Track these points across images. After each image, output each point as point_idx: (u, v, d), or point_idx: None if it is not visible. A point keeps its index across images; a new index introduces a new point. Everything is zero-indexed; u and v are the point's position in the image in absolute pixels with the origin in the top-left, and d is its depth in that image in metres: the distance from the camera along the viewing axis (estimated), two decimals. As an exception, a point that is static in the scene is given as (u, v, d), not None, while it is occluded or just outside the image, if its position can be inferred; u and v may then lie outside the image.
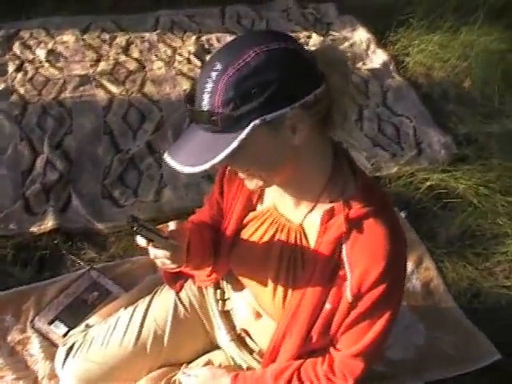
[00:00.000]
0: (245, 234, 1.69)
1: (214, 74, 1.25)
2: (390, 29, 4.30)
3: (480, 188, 3.13)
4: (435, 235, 2.91)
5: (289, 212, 1.59)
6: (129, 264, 2.65)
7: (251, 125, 1.25)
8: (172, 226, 1.50)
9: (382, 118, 3.68)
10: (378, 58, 4.14)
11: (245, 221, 1.70)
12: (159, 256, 1.49)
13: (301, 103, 1.28)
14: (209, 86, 1.25)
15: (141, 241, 1.44)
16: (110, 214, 2.94)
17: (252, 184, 1.45)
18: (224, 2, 4.56)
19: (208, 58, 3.92)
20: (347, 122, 1.45)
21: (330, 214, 1.47)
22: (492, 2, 4.48)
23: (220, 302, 1.94)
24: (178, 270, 1.65)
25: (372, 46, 4.24)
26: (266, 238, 1.63)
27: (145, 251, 1.49)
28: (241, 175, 1.45)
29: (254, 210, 1.69)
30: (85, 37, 4.12)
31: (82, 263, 2.66)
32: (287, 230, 1.59)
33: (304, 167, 1.44)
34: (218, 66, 1.25)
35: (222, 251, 1.76)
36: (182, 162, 1.28)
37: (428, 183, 3.15)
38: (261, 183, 1.44)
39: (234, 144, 1.24)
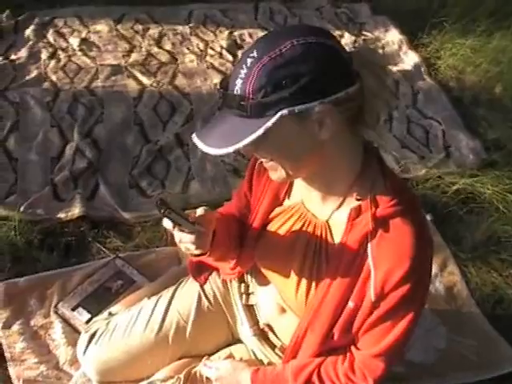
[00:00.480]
0: (271, 228, 1.70)
1: (249, 61, 1.27)
2: (423, 31, 4.27)
3: (507, 194, 3.11)
4: (460, 240, 2.89)
5: (316, 208, 1.59)
6: (154, 254, 2.65)
7: (279, 114, 1.26)
8: (200, 211, 1.51)
9: (412, 119, 3.66)
10: (409, 59, 4.12)
11: (272, 215, 1.70)
12: (184, 240, 1.50)
13: (331, 99, 1.29)
14: (243, 72, 1.28)
15: (167, 224, 1.45)
16: (137, 203, 2.95)
17: (275, 175, 1.45)
18: (258, -2, 4.57)
19: (241, 52, 3.96)
20: (379, 125, 1.45)
21: (356, 212, 1.47)
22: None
23: (244, 295, 1.95)
24: (200, 257, 1.66)
25: (404, 48, 4.22)
26: (292, 232, 1.64)
27: (170, 242, 1.51)
28: (265, 165, 1.46)
29: (281, 205, 1.69)
30: (118, 27, 4.16)
31: (107, 252, 2.68)
32: (313, 225, 1.59)
33: (331, 163, 1.45)
34: (255, 54, 1.27)
35: (248, 244, 1.76)
36: (208, 144, 1.31)
37: (455, 187, 3.13)
38: (284, 175, 1.43)
39: (260, 131, 1.26)
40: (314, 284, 1.59)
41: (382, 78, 1.40)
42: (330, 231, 1.56)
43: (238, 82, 1.28)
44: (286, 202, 1.68)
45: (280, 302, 1.78)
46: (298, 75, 1.26)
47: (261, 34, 4.12)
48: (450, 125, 3.63)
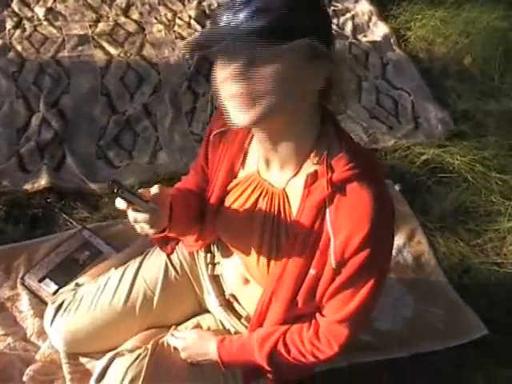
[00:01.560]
0: (228, 200, 1.69)
1: None
2: (393, 2, 4.28)
3: (475, 165, 3.13)
4: (428, 210, 2.91)
5: (272, 177, 1.57)
6: (121, 225, 2.63)
7: (300, 40, 1.26)
8: (154, 190, 1.47)
9: (381, 90, 3.66)
10: (379, 30, 4.11)
11: (229, 187, 1.69)
12: (139, 219, 1.44)
13: (331, 52, 1.34)
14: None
15: (121, 203, 1.40)
16: (104, 174, 2.92)
17: (244, 116, 1.34)
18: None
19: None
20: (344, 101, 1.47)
21: (313, 178, 1.46)
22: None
23: (210, 266, 1.94)
24: (157, 236, 1.63)
25: (374, 19, 4.21)
26: (249, 203, 1.63)
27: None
28: (237, 101, 1.33)
29: (237, 176, 1.68)
30: (84, -4, 4.09)
31: (74, 223, 2.66)
32: (270, 195, 1.58)
33: (296, 124, 1.43)
34: None
35: (207, 218, 1.75)
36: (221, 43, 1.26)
37: (424, 157, 3.14)
38: (254, 116, 1.33)
39: (283, 46, 1.24)
40: (274, 253, 1.58)
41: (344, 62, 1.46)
42: (288, 199, 1.55)
43: (251, 6, 1.25)
44: (241, 173, 1.66)
45: (244, 272, 1.77)
46: (319, 15, 1.34)
47: (230, 4, 4.08)
48: (419, 96, 3.64)
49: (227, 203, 1.69)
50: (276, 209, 1.56)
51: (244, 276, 1.79)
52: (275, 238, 1.58)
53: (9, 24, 3.77)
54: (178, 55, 3.69)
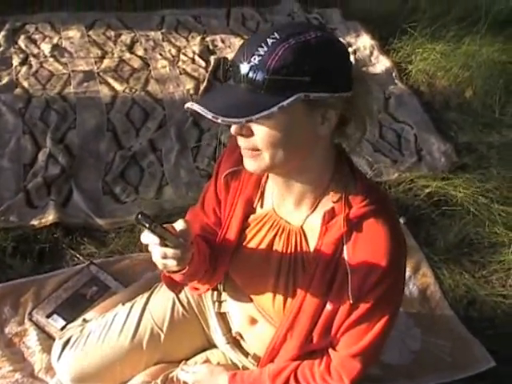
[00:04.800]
0: (244, 240, 1.68)
1: (270, 41, 1.27)
2: (394, 36, 4.32)
3: (479, 197, 3.14)
4: (433, 242, 2.92)
5: (289, 214, 1.58)
6: (128, 260, 2.65)
7: (295, 96, 1.26)
8: (181, 225, 1.42)
9: (384, 124, 3.69)
10: (380, 64, 4.16)
11: (244, 226, 1.68)
12: (169, 255, 1.38)
13: (340, 95, 1.32)
14: (262, 50, 1.26)
15: (151, 239, 1.36)
16: (111, 210, 2.95)
17: (254, 164, 1.40)
18: (229, 4, 4.58)
19: (214, 57, 4.00)
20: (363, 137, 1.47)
21: (330, 215, 1.48)
22: (495, 14, 4.51)
23: (216, 303, 1.93)
24: (175, 273, 1.56)
25: (375, 53, 4.26)
26: (266, 241, 1.63)
27: (145, 248, 1.44)
28: (247, 152, 1.40)
29: (254, 212, 1.67)
30: (90, 33, 4.15)
31: (81, 258, 2.67)
32: (287, 232, 1.59)
33: (311, 164, 1.45)
34: (277, 35, 1.28)
35: (221, 259, 1.72)
36: (214, 111, 1.25)
37: (427, 190, 3.16)
38: (264, 165, 1.39)
39: (275, 108, 1.24)
40: (290, 291, 1.59)
41: (372, 95, 1.44)
42: (305, 236, 1.56)
43: (256, 58, 1.26)
44: (259, 211, 1.66)
45: (251, 312, 1.77)
46: (321, 64, 1.28)
47: (233, 39, 4.19)
48: (421, 129, 3.67)
49: (243, 243, 1.68)
50: (293, 247, 1.58)
51: (251, 316, 1.78)
52: (292, 277, 1.59)
53: (15, 61, 3.83)
54: (183, 91, 3.72)
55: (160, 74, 3.87)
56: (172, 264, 1.42)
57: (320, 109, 1.32)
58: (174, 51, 4.08)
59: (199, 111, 1.26)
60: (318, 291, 1.52)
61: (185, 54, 4.06)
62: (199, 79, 3.83)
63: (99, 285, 2.51)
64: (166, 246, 1.37)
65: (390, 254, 1.42)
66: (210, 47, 4.17)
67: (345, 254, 1.46)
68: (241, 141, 1.38)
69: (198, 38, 4.22)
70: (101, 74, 3.80)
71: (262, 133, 1.33)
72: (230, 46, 4.17)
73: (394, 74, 4.08)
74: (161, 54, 4.04)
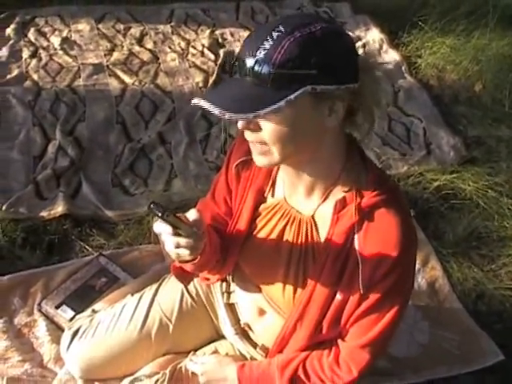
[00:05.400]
0: (255, 229, 1.68)
1: (275, 35, 1.26)
2: (404, 30, 4.31)
3: (488, 190, 3.14)
4: (442, 235, 2.92)
5: (300, 204, 1.58)
6: (137, 252, 2.66)
7: (302, 89, 1.25)
8: (193, 214, 1.42)
9: (393, 117, 3.68)
10: (390, 58, 4.14)
11: (255, 216, 1.69)
12: (182, 244, 1.38)
13: (347, 87, 1.31)
14: (267, 43, 1.25)
15: (163, 228, 1.36)
16: (120, 202, 2.96)
17: (264, 159, 1.41)
18: (239, -3, 4.59)
19: (223, 50, 4.02)
20: (372, 128, 1.47)
21: (342, 204, 1.48)
22: (504, 8, 4.49)
23: (225, 294, 1.94)
24: (187, 263, 1.58)
25: (385, 46, 4.25)
26: (277, 230, 1.63)
27: (154, 240, 1.43)
28: (256, 146, 1.40)
29: (265, 202, 1.68)
30: (99, 26, 4.16)
31: (90, 249, 2.68)
32: (298, 222, 1.59)
33: (322, 154, 1.45)
34: (282, 28, 1.27)
35: (231, 249, 1.73)
36: (220, 107, 1.25)
37: (436, 184, 3.15)
38: (274, 159, 1.39)
39: (282, 102, 1.24)
40: (300, 281, 1.59)
41: (380, 86, 1.43)
42: (316, 226, 1.56)
43: (261, 52, 1.25)
44: (270, 200, 1.66)
45: (260, 303, 1.77)
46: (327, 56, 1.27)
47: (242, 33, 4.18)
48: (430, 122, 3.66)
49: (254, 233, 1.68)
50: (304, 236, 1.58)
51: (260, 307, 1.78)
52: (302, 267, 1.59)
53: (25, 53, 3.84)
54: (192, 83, 3.73)
55: (169, 66, 3.87)
56: (185, 253, 1.42)
57: (327, 101, 1.32)
58: (183, 44, 4.08)
59: (206, 107, 1.26)
60: (328, 281, 1.52)
61: (194, 47, 4.06)
62: (208, 72, 3.83)
63: (108, 276, 2.52)
64: (179, 235, 1.37)
65: (401, 244, 1.42)
66: (219, 40, 4.17)
67: (356, 244, 1.46)
68: (248, 135, 1.39)
69: (207, 31, 4.23)
70: (110, 66, 3.80)
71: (269, 127, 1.33)
72: (239, 40, 4.17)
73: (403, 68, 4.06)
74: (170, 47, 4.04)
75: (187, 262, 1.54)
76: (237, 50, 4.02)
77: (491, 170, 3.30)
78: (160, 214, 1.30)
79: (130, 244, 2.72)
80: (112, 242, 2.73)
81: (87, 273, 2.53)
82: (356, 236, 1.46)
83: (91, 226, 2.81)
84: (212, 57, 3.98)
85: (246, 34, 4.20)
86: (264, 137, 1.35)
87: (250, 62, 1.27)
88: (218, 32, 4.25)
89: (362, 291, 1.47)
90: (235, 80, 1.32)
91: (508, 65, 4.04)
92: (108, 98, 3.56)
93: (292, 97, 1.24)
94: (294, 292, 1.61)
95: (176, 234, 1.37)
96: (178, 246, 1.40)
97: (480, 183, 3.18)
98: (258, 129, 1.35)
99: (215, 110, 1.24)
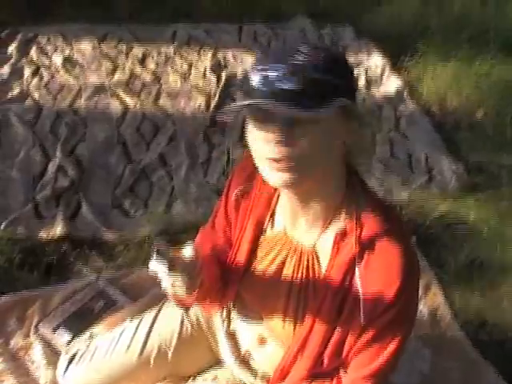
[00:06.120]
0: (255, 261, 1.66)
1: (303, 50, 1.30)
2: (406, 55, 4.32)
3: (490, 218, 3.13)
4: (444, 262, 2.89)
5: (301, 235, 1.56)
6: (136, 275, 2.62)
7: (337, 101, 1.29)
8: (189, 251, 1.41)
9: (395, 143, 3.67)
10: (392, 83, 4.14)
11: (255, 247, 1.66)
12: (177, 283, 1.40)
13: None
14: (298, 57, 1.28)
15: (159, 267, 1.35)
16: (120, 223, 2.94)
17: (283, 176, 1.35)
18: (241, 19, 4.58)
19: (225, 73, 4.01)
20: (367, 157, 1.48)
21: (342, 235, 1.46)
22: (506, 34, 4.51)
23: (226, 321, 1.89)
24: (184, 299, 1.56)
25: (387, 72, 4.25)
26: (277, 262, 1.61)
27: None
28: (274, 164, 1.35)
29: (265, 233, 1.65)
30: (102, 46, 4.17)
31: (89, 271, 2.65)
32: (299, 253, 1.57)
33: (330, 179, 1.44)
34: (305, 47, 1.31)
35: (231, 280, 1.70)
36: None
37: (438, 210, 3.14)
38: (295, 177, 1.35)
39: (321, 110, 1.26)
40: (301, 312, 1.57)
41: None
42: (317, 257, 1.54)
43: (294, 64, 1.27)
44: (269, 232, 1.64)
45: (261, 332, 1.73)
46: (349, 74, 1.36)
47: (245, 55, 4.20)
48: (432, 148, 3.64)
49: (254, 264, 1.66)
50: (304, 268, 1.56)
51: (261, 335, 1.75)
52: (303, 298, 1.56)
53: (27, 72, 3.85)
54: (194, 105, 3.72)
55: (171, 88, 3.87)
56: (181, 291, 1.43)
57: (350, 118, 1.35)
58: (185, 66, 4.09)
59: (263, 105, 1.26)
60: (329, 312, 1.50)
61: (196, 69, 4.06)
62: (210, 95, 3.82)
63: (107, 299, 2.49)
64: (175, 272, 1.37)
65: (404, 275, 1.40)
66: (222, 62, 4.17)
67: (357, 275, 1.44)
68: (275, 150, 1.32)
69: (210, 53, 4.23)
70: (112, 87, 3.80)
71: (306, 138, 1.30)
72: (241, 62, 4.17)
73: (405, 94, 4.06)
74: (172, 68, 4.04)
75: (184, 298, 1.54)
76: (239, 72, 4.03)
77: (493, 197, 3.28)
78: (156, 254, 1.32)
79: (129, 266, 2.70)
80: (111, 264, 2.71)
81: (85, 295, 2.50)
82: (357, 267, 1.44)
83: (90, 247, 2.79)
84: (214, 79, 3.98)
85: (248, 56, 4.22)
86: (295, 151, 1.31)
87: (282, 74, 1.27)
88: (220, 54, 4.25)
89: (363, 323, 1.45)
90: (268, 93, 1.29)
91: (510, 91, 4.04)
92: (109, 118, 3.56)
93: (330, 108, 1.27)
94: (295, 323, 1.59)
95: (171, 271, 1.36)
96: (173, 285, 1.41)
97: (482, 210, 3.16)
98: (292, 141, 1.30)
99: (277, 105, 1.25)
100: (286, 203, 1.56)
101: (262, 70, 1.30)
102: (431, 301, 2.70)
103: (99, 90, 3.76)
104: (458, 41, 4.40)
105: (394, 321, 1.44)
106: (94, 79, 3.85)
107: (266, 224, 1.64)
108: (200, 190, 3.16)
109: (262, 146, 1.33)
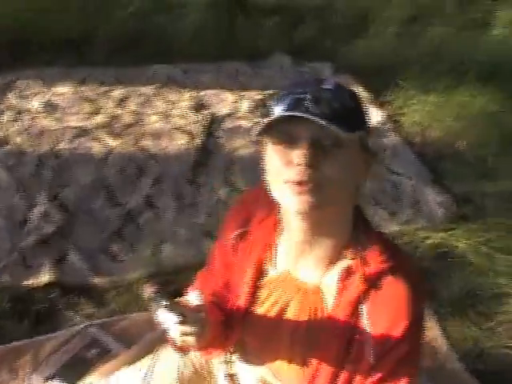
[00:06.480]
0: (258, 301, 1.61)
1: (328, 84, 1.34)
2: (387, 88, 4.34)
3: (480, 247, 3.12)
4: (437, 294, 2.87)
5: (306, 273, 1.52)
6: (128, 320, 2.59)
7: (360, 131, 1.32)
8: (195, 298, 1.41)
9: (380, 176, 3.67)
10: (375, 116, 4.15)
11: (257, 289, 1.61)
12: (188, 332, 1.36)
13: None
14: (326, 88, 1.33)
15: (168, 316, 1.31)
16: (108, 268, 2.90)
17: (302, 200, 1.32)
18: (219, 58, 4.58)
19: (207, 111, 3.97)
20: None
21: (347, 273, 1.43)
22: (483, 65, 4.54)
23: (226, 364, 1.83)
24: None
25: (368, 106, 4.25)
26: (281, 303, 1.56)
27: (146, 306, 1.39)
28: (297, 188, 1.32)
29: (267, 274, 1.60)
30: (81, 89, 4.14)
31: (80, 319, 2.61)
32: (303, 293, 1.52)
33: (341, 213, 1.43)
34: (328, 83, 1.35)
35: (234, 323, 1.64)
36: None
37: (428, 242, 3.13)
38: (315, 202, 1.32)
39: (344, 134, 1.26)
40: (307, 354, 1.52)
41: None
42: (322, 296, 1.50)
43: (324, 94, 1.30)
44: (272, 273, 1.59)
45: (264, 375, 1.68)
46: (364, 109, 1.38)
47: (225, 94, 4.20)
48: (418, 180, 3.65)
49: (256, 306, 1.61)
50: (309, 307, 1.51)
51: (263, 378, 1.70)
52: (308, 338, 1.52)
53: (6, 116, 3.82)
54: (176, 145, 3.70)
55: (153, 129, 3.85)
56: (192, 340, 1.40)
57: (367, 153, 1.38)
58: (165, 106, 4.07)
59: (304, 116, 1.26)
60: (336, 352, 1.46)
61: (177, 109, 4.05)
62: (193, 134, 3.81)
63: (100, 347, 2.45)
64: (184, 322, 1.33)
65: (412, 312, 1.38)
66: (202, 102, 4.16)
67: (364, 314, 1.41)
68: (299, 172, 1.30)
69: (190, 93, 4.22)
70: (93, 130, 3.77)
71: (329, 161, 1.30)
72: (222, 101, 4.17)
73: (387, 126, 4.08)
74: (153, 109, 4.03)
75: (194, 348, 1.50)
76: (221, 111, 4.03)
77: (482, 226, 3.27)
78: (164, 303, 1.28)
79: (121, 312, 2.66)
80: (102, 310, 2.67)
81: (77, 344, 2.46)
82: (364, 306, 1.41)
83: (80, 293, 2.74)
84: (195, 118, 3.97)
85: (228, 94, 4.23)
86: (319, 173, 1.30)
87: (310, 96, 1.30)
88: (200, 93, 4.24)
89: (372, 362, 1.41)
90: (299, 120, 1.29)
91: (490, 121, 4.08)
92: (92, 161, 3.53)
93: (358, 133, 1.31)
94: (301, 365, 1.54)
95: (181, 321, 1.32)
96: (184, 334, 1.37)
97: (472, 240, 3.15)
98: (317, 164, 1.29)
99: (318, 120, 1.25)
100: (290, 241, 1.52)
101: (291, 93, 1.32)
102: (428, 333, 2.67)
103: (81, 133, 3.73)
104: (437, 72, 4.44)
105: (403, 358, 1.41)
106: (74, 122, 3.82)
107: (267, 265, 1.60)
108: (188, 232, 3.13)
109: (284, 169, 1.32)
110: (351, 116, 1.31)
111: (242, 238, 1.61)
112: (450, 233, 3.21)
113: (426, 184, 3.62)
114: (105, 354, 2.41)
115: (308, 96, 1.29)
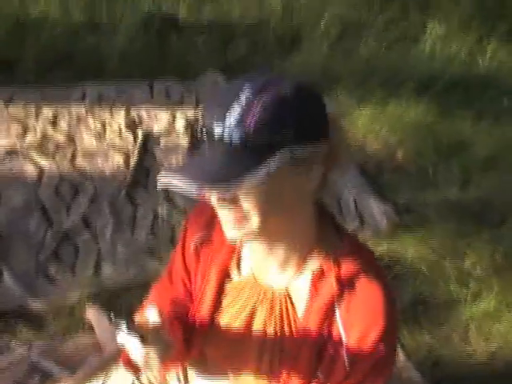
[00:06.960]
0: (222, 310, 1.52)
1: (243, 98, 1.16)
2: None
3: (427, 255, 3.15)
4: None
5: (272, 278, 1.44)
6: (71, 343, 2.49)
7: (279, 155, 1.16)
8: (154, 315, 1.33)
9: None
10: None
11: (222, 296, 1.52)
12: (152, 354, 1.30)
13: (322, 146, 1.22)
14: (237, 108, 1.15)
15: (129, 339, 1.26)
16: (46, 290, 2.79)
17: (238, 233, 1.29)
18: (151, 77, 4.50)
19: (141, 130, 3.88)
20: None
21: (319, 275, 1.36)
22: (417, 76, 4.63)
23: (182, 381, 1.74)
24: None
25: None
26: (247, 310, 1.47)
27: (88, 328, 1.32)
28: (228, 216, 1.27)
29: (231, 280, 1.52)
30: (9, 108, 3.97)
31: (18, 345, 2.47)
32: (271, 299, 1.44)
33: (297, 224, 1.34)
34: (248, 91, 1.17)
35: (197, 336, 1.55)
36: (195, 180, 1.16)
37: (376, 253, 3.09)
38: (250, 232, 1.27)
39: (262, 170, 1.15)
40: (277, 363, 1.44)
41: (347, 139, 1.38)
42: (291, 300, 1.42)
43: (231, 118, 1.16)
44: (236, 278, 1.51)
45: None
46: (300, 114, 1.18)
47: (158, 112, 4.10)
48: (359, 192, 3.63)
49: (221, 314, 1.52)
50: (278, 314, 1.43)
51: None
52: (278, 346, 1.43)
53: None
54: (112, 164, 3.59)
55: (87, 148, 3.72)
56: (155, 362, 1.33)
57: (306, 163, 1.22)
58: (98, 125, 3.95)
59: (179, 185, 1.16)
60: (308, 360, 1.38)
61: (111, 127, 3.93)
62: (128, 153, 3.70)
63: (42, 373, 2.33)
64: (146, 342, 1.28)
65: (387, 314, 1.32)
66: (136, 120, 4.05)
67: (337, 317, 1.34)
68: (223, 211, 1.27)
69: (123, 111, 4.10)
70: (24, 150, 3.62)
71: (250, 198, 1.22)
72: (155, 118, 4.07)
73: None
74: (86, 128, 3.90)
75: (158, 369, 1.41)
76: (155, 128, 3.94)
77: (426, 235, 3.30)
78: (125, 327, 1.24)
79: (62, 335, 2.55)
80: (42, 334, 2.56)
81: (17, 371, 2.34)
82: (337, 309, 1.34)
83: (17, 318, 2.62)
84: (130, 136, 3.86)
85: (161, 112, 4.13)
86: (242, 210, 1.24)
87: (220, 129, 1.17)
88: (133, 111, 4.13)
89: (347, 366, 1.34)
90: (205, 150, 1.21)
91: (426, 132, 4.13)
92: (25, 182, 3.39)
93: (272, 166, 1.15)
94: (270, 376, 1.45)
95: (143, 342, 1.27)
96: (148, 356, 1.30)
97: (418, 249, 3.18)
98: (236, 201, 1.23)
99: (192, 186, 1.15)
100: (253, 250, 1.45)
101: (220, 105, 1.20)
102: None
103: (11, 153, 3.58)
104: (371, 85, 4.46)
105: (379, 362, 1.35)
106: (4, 142, 3.66)
107: (231, 270, 1.51)
108: (128, 250, 3.04)
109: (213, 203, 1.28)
110: (270, 139, 1.17)
111: (204, 243, 1.53)
112: (396, 243, 3.22)
113: (368, 196, 3.61)
114: (47, 380, 2.29)
115: (218, 128, 1.17)
